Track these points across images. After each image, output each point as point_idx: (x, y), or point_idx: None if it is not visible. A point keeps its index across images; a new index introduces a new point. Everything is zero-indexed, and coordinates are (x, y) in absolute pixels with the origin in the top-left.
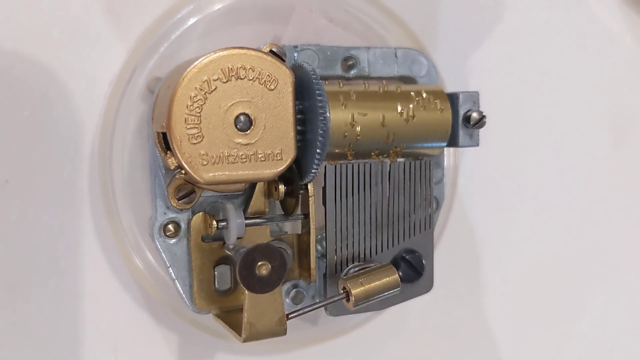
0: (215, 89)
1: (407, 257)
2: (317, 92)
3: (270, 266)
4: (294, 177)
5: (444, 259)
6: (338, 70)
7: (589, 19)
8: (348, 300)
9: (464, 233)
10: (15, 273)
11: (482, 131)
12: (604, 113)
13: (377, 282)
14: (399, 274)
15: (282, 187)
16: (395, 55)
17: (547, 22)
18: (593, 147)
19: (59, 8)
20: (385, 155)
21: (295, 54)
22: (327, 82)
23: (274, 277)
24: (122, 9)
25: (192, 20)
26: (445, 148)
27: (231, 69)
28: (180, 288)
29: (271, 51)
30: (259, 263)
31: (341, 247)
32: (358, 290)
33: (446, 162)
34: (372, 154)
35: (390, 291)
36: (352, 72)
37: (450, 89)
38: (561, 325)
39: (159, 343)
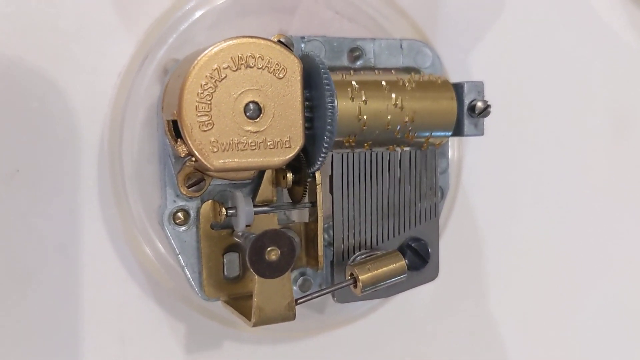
0: (225, 77)
1: (413, 245)
2: (325, 81)
3: (279, 252)
4: (301, 165)
5: (449, 248)
6: (344, 61)
7: (591, 12)
8: (355, 286)
9: (468, 223)
10: (25, 261)
11: (485, 123)
12: (605, 106)
13: (384, 269)
14: (405, 262)
15: (290, 176)
16: (401, 47)
17: (549, 15)
18: (595, 140)
19: (68, 0)
20: (391, 143)
21: (303, 45)
22: (334, 72)
23: (283, 262)
24: (131, 0)
25: (200, 12)
26: (450, 139)
27: (241, 57)
28: (189, 275)
29: (279, 41)
30: (269, 248)
31: (348, 235)
32: (365, 276)
33: (450, 153)
34: (378, 143)
35: (397, 277)
36: (358, 63)
37: (454, 80)
38: (564, 313)
39: (167, 331)
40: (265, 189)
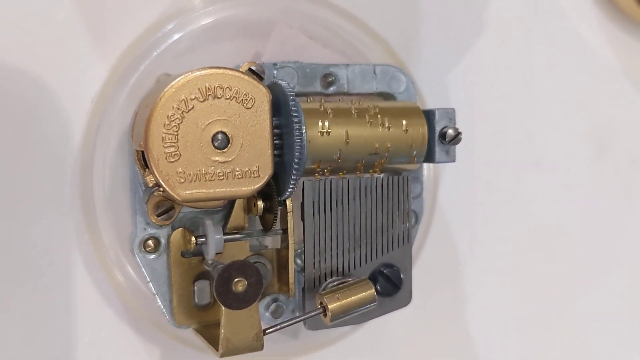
0: (193, 108)
1: (385, 271)
2: (293, 109)
3: (246, 282)
4: (272, 193)
5: (425, 272)
6: (317, 87)
7: (569, 33)
8: (325, 315)
9: (445, 246)
10: None
11: (462, 145)
12: (584, 126)
13: (354, 297)
14: (376, 288)
15: (260, 203)
16: (374, 72)
17: (527, 37)
18: (574, 160)
19: (41, 26)
20: (363, 170)
21: (275, 72)
22: (305, 99)
23: (251, 293)
24: (105, 26)
25: (173, 38)
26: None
27: (208, 88)
28: (160, 303)
29: (250, 69)
30: (236, 280)
31: (319, 261)
32: (335, 305)
33: (426, 175)
34: (349, 170)
35: (367, 306)
36: (331, 89)
37: (430, 104)
38: (541, 339)
39: (143, 357)
40: (237, 216)
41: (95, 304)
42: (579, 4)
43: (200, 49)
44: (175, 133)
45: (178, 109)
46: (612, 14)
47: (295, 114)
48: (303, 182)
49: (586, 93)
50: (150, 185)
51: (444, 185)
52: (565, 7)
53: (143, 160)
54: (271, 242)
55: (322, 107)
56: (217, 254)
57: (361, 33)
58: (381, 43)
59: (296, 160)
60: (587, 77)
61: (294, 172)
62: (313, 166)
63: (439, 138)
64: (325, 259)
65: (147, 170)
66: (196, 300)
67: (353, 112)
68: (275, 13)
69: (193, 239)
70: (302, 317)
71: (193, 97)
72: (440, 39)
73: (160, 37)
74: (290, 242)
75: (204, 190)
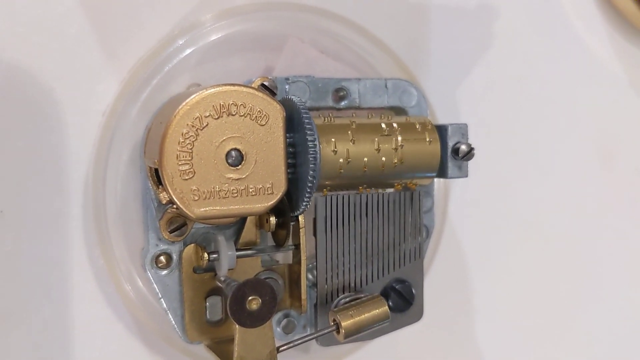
0: (207, 125)
1: (397, 286)
2: (307, 126)
3: (260, 301)
4: (285, 208)
5: (435, 286)
6: (329, 102)
7: (576, 45)
8: (338, 332)
9: (455, 260)
10: (9, 302)
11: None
12: (592, 138)
13: (367, 314)
14: (388, 304)
15: (273, 219)
16: (386, 86)
17: (535, 50)
18: (582, 172)
19: (53, 40)
20: (375, 186)
21: (287, 86)
22: (317, 114)
23: (265, 311)
24: (116, 40)
25: (185, 52)
26: None
27: (223, 105)
28: (172, 319)
29: (262, 85)
30: (250, 298)
31: (331, 277)
32: (348, 322)
33: (436, 189)
34: (363, 185)
35: (380, 323)
36: (343, 103)
37: (440, 117)
38: (553, 351)
39: None
40: (249, 231)
41: (106, 318)
42: (585, 15)
43: (211, 63)
44: (190, 150)
45: (192, 126)
46: (618, 25)
47: (309, 130)
48: (316, 198)
49: (592, 103)
50: (164, 202)
51: (453, 198)
52: (572, 19)
53: (156, 177)
54: (282, 257)
55: (335, 122)
56: (229, 270)
57: (372, 47)
58: (392, 57)
59: (310, 176)
60: (593, 88)
61: (309, 188)
62: (326, 182)
63: (451, 153)
64: (337, 274)
65: (160, 187)
66: (208, 316)
67: (366, 127)
68: (285, 27)
69: (205, 255)
70: (315, 334)
71: (207, 114)
72: (450, 53)
73: (171, 52)
74: (303, 257)
75: (218, 208)
